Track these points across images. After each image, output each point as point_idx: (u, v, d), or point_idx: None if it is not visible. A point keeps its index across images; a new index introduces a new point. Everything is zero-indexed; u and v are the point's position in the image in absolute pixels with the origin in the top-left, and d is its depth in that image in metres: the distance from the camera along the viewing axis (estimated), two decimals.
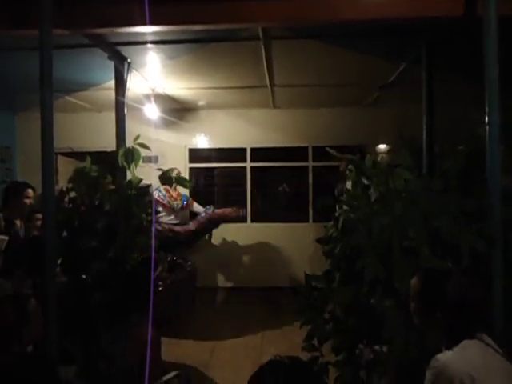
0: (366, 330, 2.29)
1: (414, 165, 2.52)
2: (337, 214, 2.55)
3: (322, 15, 2.45)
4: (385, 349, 2.26)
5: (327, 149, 5.01)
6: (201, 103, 5.64)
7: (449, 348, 1.44)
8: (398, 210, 2.27)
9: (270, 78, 4.24)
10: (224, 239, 5.97)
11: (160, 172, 3.43)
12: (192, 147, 6.14)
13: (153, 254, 2.77)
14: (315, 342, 2.38)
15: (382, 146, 5.85)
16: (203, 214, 5.00)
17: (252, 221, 6.13)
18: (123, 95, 3.62)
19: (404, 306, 2.05)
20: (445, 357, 1.39)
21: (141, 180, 2.72)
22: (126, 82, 3.64)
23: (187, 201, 5.22)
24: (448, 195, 2.22)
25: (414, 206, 2.28)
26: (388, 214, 2.27)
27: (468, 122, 2.45)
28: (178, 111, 5.94)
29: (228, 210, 5.11)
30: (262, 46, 3.29)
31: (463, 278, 1.57)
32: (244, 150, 6.11)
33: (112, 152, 3.57)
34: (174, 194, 5.14)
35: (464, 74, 3.76)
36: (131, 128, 3.87)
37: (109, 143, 5.38)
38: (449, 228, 2.08)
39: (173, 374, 2.25)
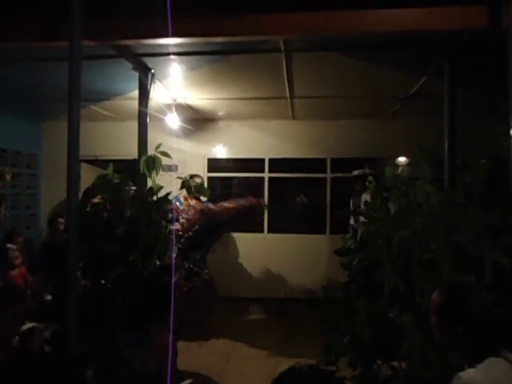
0: (384, 344, 2.25)
1: (435, 178, 2.48)
2: (354, 225, 2.53)
3: (346, 27, 2.47)
4: (403, 365, 2.21)
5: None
6: (220, 114, 5.71)
7: (471, 366, 1.40)
8: (418, 222, 2.25)
9: (289, 89, 4.28)
10: (240, 249, 5.98)
11: (179, 180, 3.49)
12: (211, 157, 6.21)
13: (173, 261, 2.80)
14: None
15: (402, 159, 5.79)
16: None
17: (269, 231, 6.13)
18: (146, 105, 3.70)
19: (424, 320, 2.01)
20: (468, 375, 1.35)
21: (161, 187, 2.77)
22: (150, 92, 3.73)
23: None
24: (471, 209, 2.17)
25: (435, 219, 2.25)
26: (408, 227, 2.24)
27: (491, 135, 2.42)
28: (198, 121, 6.03)
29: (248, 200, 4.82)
30: (283, 58, 3.33)
31: (487, 294, 1.53)
32: (262, 160, 6.13)
33: (134, 160, 3.66)
34: (192, 203, 5.16)
35: (486, 87, 3.71)
36: (152, 137, 3.95)
37: (131, 152, 5.49)
38: (472, 242, 2.04)
39: (188, 381, 2.25)
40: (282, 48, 3.09)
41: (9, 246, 3.89)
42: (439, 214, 2.25)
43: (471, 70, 3.34)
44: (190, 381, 2.23)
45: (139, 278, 2.55)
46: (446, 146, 3.21)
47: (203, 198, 5.07)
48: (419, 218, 2.27)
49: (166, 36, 2.71)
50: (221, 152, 6.13)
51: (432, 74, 3.59)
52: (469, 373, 1.36)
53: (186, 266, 3.37)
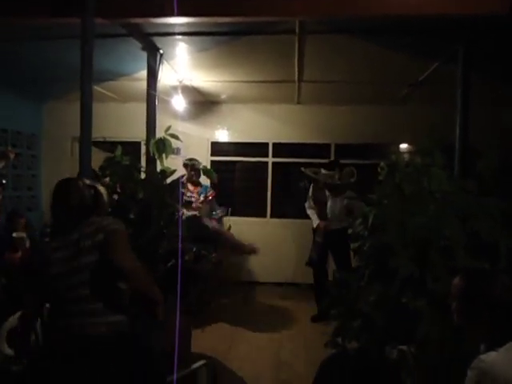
0: (394, 329, 2.28)
1: (446, 165, 2.48)
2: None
3: (363, 8, 2.43)
4: (413, 349, 2.25)
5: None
6: (224, 96, 5.63)
7: (491, 349, 1.42)
8: (432, 209, 2.25)
9: (299, 73, 4.21)
10: (243, 234, 5.98)
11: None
12: (214, 140, 6.15)
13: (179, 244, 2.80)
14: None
15: (405, 146, 5.78)
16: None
17: (271, 216, 6.13)
18: (155, 86, 3.64)
19: (437, 306, 2.03)
20: (490, 357, 1.37)
21: (174, 171, 2.75)
22: (158, 73, 3.66)
23: (205, 193, 4.88)
24: (487, 198, 2.18)
25: (449, 206, 2.25)
26: (423, 213, 2.24)
27: (503, 123, 2.41)
28: (202, 104, 5.95)
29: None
30: (297, 41, 3.27)
31: (506, 279, 1.54)
32: (266, 144, 6.09)
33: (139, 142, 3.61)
34: (191, 188, 4.80)
35: (501, 74, 3.67)
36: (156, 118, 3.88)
37: (134, 134, 5.42)
38: (488, 229, 2.05)
39: (201, 362, 2.28)
40: (297, 30, 3.02)
41: (15, 234, 3.83)
42: (453, 200, 2.26)
43: (488, 57, 3.29)
44: (203, 362, 2.26)
45: (151, 261, 2.55)
46: (458, 133, 3.20)
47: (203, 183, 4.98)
48: (433, 205, 2.27)
49: (177, 15, 2.65)
50: (224, 135, 6.07)
51: (445, 59, 3.54)
52: (490, 355, 1.39)
53: (194, 250, 3.38)
